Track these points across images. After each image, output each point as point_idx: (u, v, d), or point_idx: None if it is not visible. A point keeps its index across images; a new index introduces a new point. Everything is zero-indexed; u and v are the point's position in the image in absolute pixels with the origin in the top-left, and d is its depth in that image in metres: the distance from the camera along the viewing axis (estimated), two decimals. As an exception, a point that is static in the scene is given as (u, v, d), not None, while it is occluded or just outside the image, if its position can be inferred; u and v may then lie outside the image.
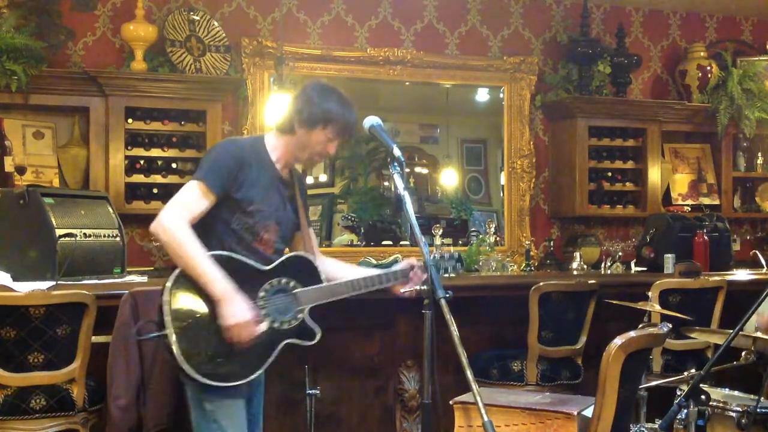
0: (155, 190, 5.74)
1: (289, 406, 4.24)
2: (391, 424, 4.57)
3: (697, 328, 3.92)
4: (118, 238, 4.26)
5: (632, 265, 5.86)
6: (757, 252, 6.29)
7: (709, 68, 7.09)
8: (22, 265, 3.87)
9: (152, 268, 5.61)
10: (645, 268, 5.64)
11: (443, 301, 2.59)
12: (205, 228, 2.86)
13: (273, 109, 5.47)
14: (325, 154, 3.08)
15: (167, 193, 5.71)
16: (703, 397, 2.94)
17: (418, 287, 2.82)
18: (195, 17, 5.93)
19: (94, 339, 3.54)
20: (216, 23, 6.00)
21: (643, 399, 4.11)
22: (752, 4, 7.26)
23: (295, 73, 5.93)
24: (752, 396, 3.40)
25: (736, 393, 3.56)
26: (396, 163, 2.84)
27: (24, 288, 3.50)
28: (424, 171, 7.01)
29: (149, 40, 5.72)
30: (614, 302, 4.09)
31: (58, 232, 3.88)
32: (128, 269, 4.39)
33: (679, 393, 3.50)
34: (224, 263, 2.83)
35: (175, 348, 2.75)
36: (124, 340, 3.48)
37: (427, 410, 2.69)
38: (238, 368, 2.86)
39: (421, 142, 7.07)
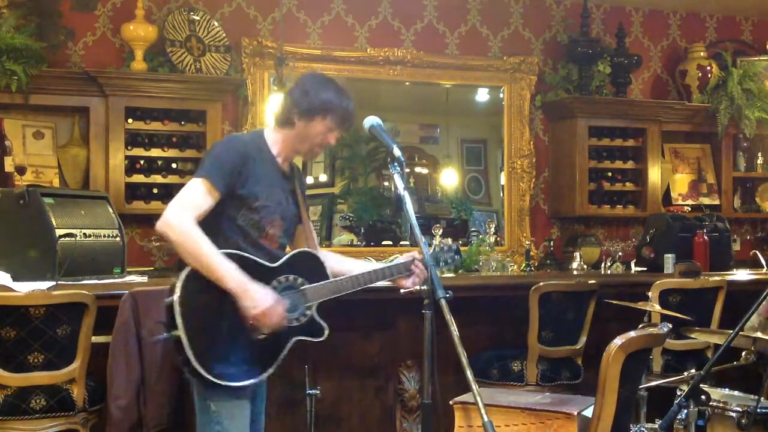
0: (155, 190, 5.74)
1: (289, 406, 4.24)
2: (391, 424, 4.57)
3: (697, 328, 3.92)
4: (118, 238, 4.26)
5: (632, 265, 5.87)
6: (757, 252, 6.29)
7: (709, 68, 7.08)
8: (22, 265, 3.87)
9: (152, 268, 5.60)
10: (645, 268, 5.65)
11: (443, 301, 2.59)
12: (210, 226, 2.83)
13: (273, 109, 5.47)
14: (325, 145, 3.07)
15: (167, 193, 5.72)
16: (703, 397, 2.94)
17: (418, 287, 2.82)
18: (195, 17, 5.93)
19: (94, 339, 3.54)
20: (216, 23, 6.00)
21: (643, 399, 4.11)
22: (752, 4, 7.26)
23: (295, 73, 5.92)
24: (752, 396, 3.39)
25: (736, 393, 3.56)
26: (396, 163, 2.83)
27: (24, 288, 3.50)
28: (424, 171, 7.01)
29: (149, 40, 5.72)
30: (614, 302, 4.09)
31: (58, 232, 3.89)
32: (128, 269, 4.39)
33: (679, 393, 3.50)
34: (234, 261, 2.82)
35: (187, 348, 2.73)
36: (124, 340, 3.48)
37: (427, 410, 2.69)
38: (249, 367, 2.85)
39: (421, 142, 7.07)
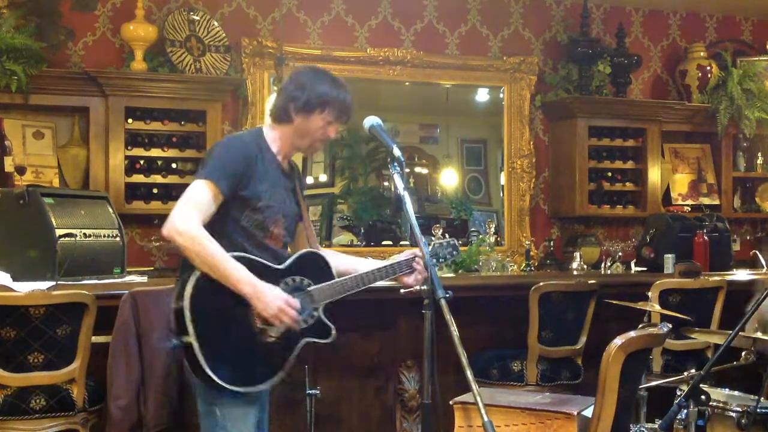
0: (155, 190, 5.74)
1: (289, 406, 4.24)
2: (391, 424, 4.57)
3: (696, 328, 3.92)
4: (118, 238, 4.26)
5: (632, 265, 5.87)
6: (757, 252, 6.29)
7: (709, 68, 7.09)
8: (22, 265, 3.87)
9: (152, 268, 5.60)
10: (645, 268, 5.65)
11: (443, 301, 2.58)
12: (214, 228, 2.80)
13: (269, 105, 5.47)
14: (325, 139, 3.03)
15: (167, 193, 5.72)
16: (703, 397, 2.94)
17: (418, 287, 2.81)
18: (195, 17, 5.93)
19: (94, 339, 3.54)
20: (216, 23, 6.00)
21: (643, 399, 4.11)
22: (752, 4, 7.26)
23: (295, 73, 5.92)
24: (752, 396, 3.39)
25: (736, 393, 3.56)
26: (396, 163, 2.82)
27: (24, 288, 3.50)
28: (424, 171, 7.01)
29: (149, 40, 5.72)
30: (614, 302, 4.09)
31: (58, 232, 3.88)
32: (128, 269, 4.39)
33: (679, 393, 3.50)
34: (241, 263, 2.78)
35: (199, 355, 2.70)
36: (124, 340, 3.48)
37: (427, 410, 2.69)
38: (259, 371, 2.83)
39: (421, 142, 7.07)
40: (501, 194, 6.88)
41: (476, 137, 7.20)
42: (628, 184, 6.94)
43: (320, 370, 4.09)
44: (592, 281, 4.59)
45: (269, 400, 3.11)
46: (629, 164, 6.92)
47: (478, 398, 2.45)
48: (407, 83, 6.62)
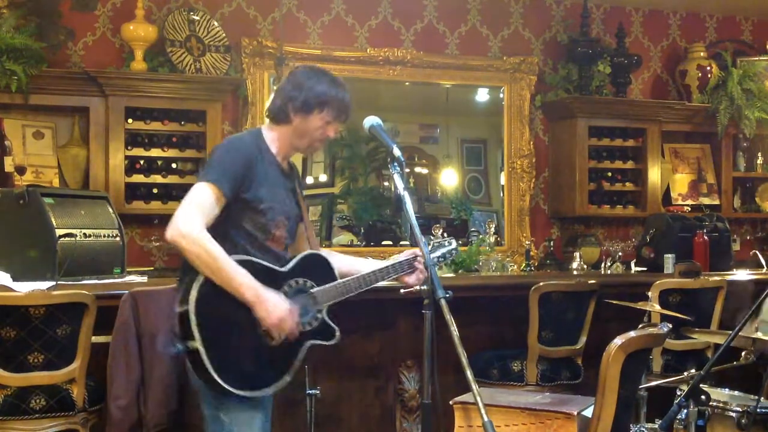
0: (155, 190, 5.74)
1: (289, 406, 4.24)
2: (391, 424, 4.57)
3: (696, 329, 3.92)
4: (118, 238, 4.26)
5: (632, 265, 5.87)
6: (757, 252, 6.29)
7: (709, 68, 7.09)
8: (22, 265, 3.87)
9: (152, 268, 5.60)
10: (645, 268, 5.65)
11: (443, 301, 2.57)
12: (216, 231, 2.76)
13: (267, 105, 5.47)
14: (325, 139, 3.01)
15: (167, 193, 5.72)
16: (703, 397, 2.94)
17: (418, 287, 2.80)
18: (195, 17, 5.93)
19: (94, 339, 3.53)
20: (216, 23, 6.00)
21: (643, 399, 4.11)
22: (752, 4, 7.26)
23: (295, 73, 5.92)
24: (752, 396, 3.40)
25: (736, 393, 3.56)
26: (396, 163, 2.80)
27: (24, 288, 3.50)
28: (424, 171, 7.01)
29: (149, 40, 5.72)
30: (614, 302, 4.09)
31: (58, 232, 3.88)
32: (128, 269, 4.39)
33: (679, 393, 3.50)
34: (245, 267, 2.76)
35: (206, 360, 2.68)
36: (124, 340, 3.48)
37: (427, 410, 2.69)
38: (266, 375, 2.82)
39: (421, 142, 7.07)
40: (501, 194, 6.88)
41: (476, 137, 7.20)
42: (628, 184, 6.94)
43: (320, 370, 4.09)
44: (592, 281, 4.59)
45: (272, 404, 3.10)
46: (629, 164, 6.92)
47: (478, 398, 2.45)
48: (407, 83, 6.62)
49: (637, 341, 2.74)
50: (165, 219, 5.93)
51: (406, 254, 3.13)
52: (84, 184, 5.64)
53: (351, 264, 3.12)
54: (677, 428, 3.06)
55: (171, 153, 5.80)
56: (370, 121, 2.93)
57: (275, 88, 5.63)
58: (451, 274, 5.45)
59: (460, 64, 6.65)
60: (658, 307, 4.14)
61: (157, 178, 5.76)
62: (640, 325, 3.74)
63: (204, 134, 5.81)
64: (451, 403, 3.41)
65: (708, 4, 7.29)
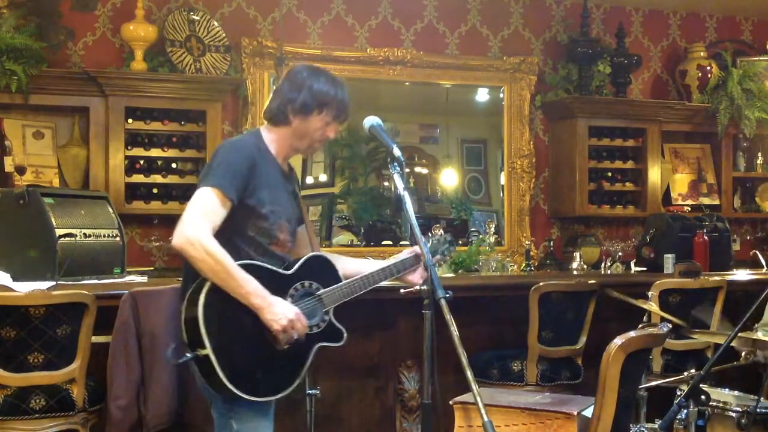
0: (155, 190, 5.74)
1: (289, 406, 4.24)
2: (391, 424, 4.57)
3: (696, 330, 3.92)
4: (118, 238, 4.26)
5: (632, 265, 5.87)
6: (757, 252, 6.29)
7: (709, 68, 7.09)
8: (22, 265, 3.87)
9: (152, 268, 5.60)
10: (645, 268, 5.65)
11: (443, 301, 2.57)
12: (220, 238, 2.71)
13: (266, 107, 5.47)
14: (324, 140, 2.99)
15: (167, 193, 5.73)
16: (703, 397, 2.94)
17: (419, 287, 2.79)
18: (195, 17, 5.93)
19: (94, 339, 3.53)
20: (216, 23, 6.00)
21: (643, 399, 4.11)
22: (752, 4, 7.26)
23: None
24: (752, 396, 3.39)
25: (736, 393, 3.55)
26: (396, 163, 2.80)
27: (24, 288, 3.50)
28: (424, 171, 7.01)
29: (149, 40, 5.72)
30: (615, 294, 4.08)
31: (58, 232, 3.88)
32: (128, 269, 4.39)
33: (679, 393, 3.50)
34: (251, 273, 2.73)
35: (217, 367, 2.65)
36: (124, 340, 3.48)
37: (427, 410, 2.69)
38: (277, 379, 2.80)
39: (421, 142, 7.07)
40: (501, 194, 6.88)
41: (476, 137, 7.20)
42: (628, 184, 6.94)
43: (320, 370, 4.09)
44: (592, 281, 4.59)
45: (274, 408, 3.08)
46: (629, 164, 6.92)
47: (478, 398, 2.45)
48: (407, 83, 6.62)
49: (637, 341, 2.74)
50: (165, 219, 5.97)
51: (406, 252, 3.12)
52: (84, 184, 5.64)
53: (353, 265, 3.10)
54: (677, 428, 3.06)
55: (171, 153, 5.80)
56: (370, 121, 2.92)
57: (274, 88, 5.68)
58: (451, 274, 5.45)
59: (460, 64, 6.65)
60: (656, 307, 4.14)
61: (157, 178, 5.75)
62: (640, 325, 3.73)
63: (204, 134, 5.81)
64: (451, 403, 3.41)
65: (708, 4, 7.29)
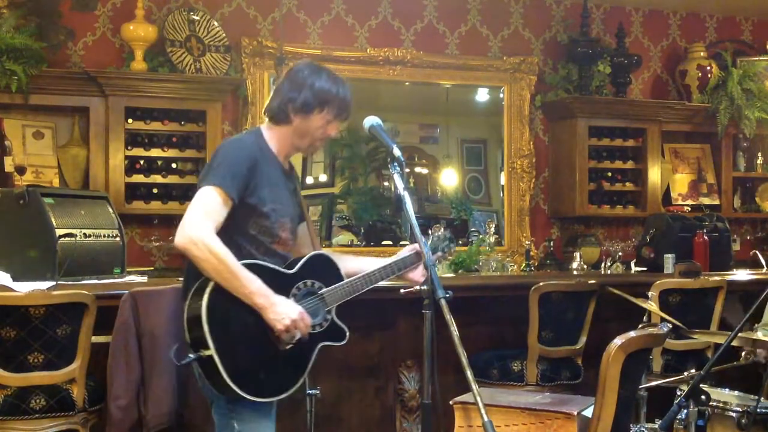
0: (155, 190, 5.74)
1: (289, 406, 4.23)
2: (391, 424, 4.57)
3: (696, 330, 3.93)
4: (118, 238, 4.26)
5: (632, 265, 5.87)
6: (757, 252, 6.29)
7: (709, 68, 7.09)
8: (22, 265, 3.87)
9: (152, 268, 5.60)
10: (645, 268, 5.65)
11: (443, 301, 2.57)
12: (222, 237, 2.69)
13: (266, 105, 5.47)
14: (326, 138, 2.96)
15: (167, 193, 5.72)
16: (703, 397, 2.94)
17: (418, 287, 2.78)
18: (195, 17, 5.93)
19: (94, 339, 3.53)
20: (216, 23, 6.00)
21: (643, 399, 4.11)
22: (752, 4, 7.26)
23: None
24: (752, 396, 3.40)
25: (736, 393, 3.56)
26: (396, 163, 2.79)
27: (24, 288, 3.50)
28: (424, 171, 7.01)
29: (149, 40, 5.72)
30: (615, 291, 4.08)
31: (58, 232, 3.88)
32: (128, 269, 4.39)
33: (679, 393, 3.50)
34: (254, 272, 2.71)
35: (221, 367, 2.64)
36: (124, 340, 3.47)
37: (427, 410, 2.69)
38: (280, 380, 2.79)
39: (421, 142, 7.07)
40: (501, 194, 6.88)
41: (476, 137, 7.20)
42: (628, 184, 6.94)
43: (320, 370, 4.09)
44: (592, 281, 4.59)
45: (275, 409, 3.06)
46: (629, 164, 6.92)
47: (478, 398, 2.45)
48: (407, 83, 6.62)
49: (637, 341, 2.74)
50: (165, 219, 5.96)
51: (407, 250, 3.11)
52: (84, 184, 5.64)
53: (355, 263, 3.09)
54: (677, 428, 3.06)
55: (171, 153, 5.80)
56: (370, 121, 2.90)
57: (274, 87, 5.67)
58: (451, 274, 5.45)
59: (460, 64, 6.65)
60: (655, 307, 4.14)
61: (157, 178, 5.75)
62: (640, 325, 3.73)
63: (204, 134, 5.81)
64: (451, 403, 3.41)
65: (708, 4, 7.29)
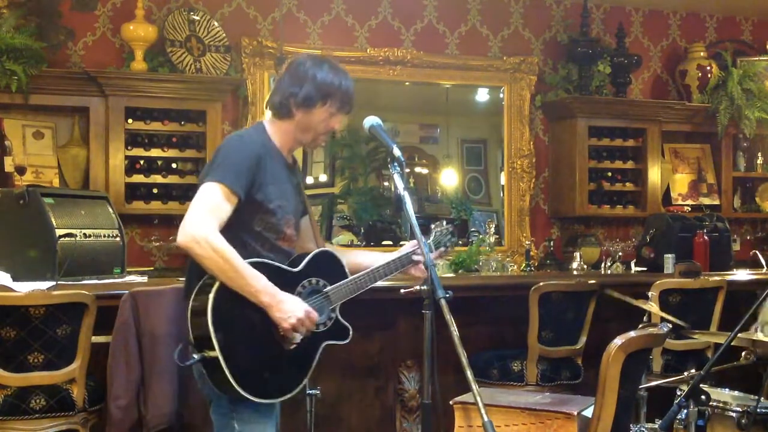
0: (155, 190, 5.74)
1: (289, 406, 4.23)
2: (391, 424, 4.57)
3: (696, 331, 3.92)
4: (118, 238, 4.26)
5: (632, 265, 5.87)
6: (757, 252, 6.29)
7: (709, 68, 7.09)
8: (22, 265, 3.87)
9: (152, 268, 5.60)
10: (645, 268, 5.65)
11: (443, 301, 2.56)
12: (225, 234, 2.65)
13: (268, 99, 5.46)
14: (329, 131, 2.93)
15: (167, 193, 5.73)
16: (703, 397, 2.94)
17: (418, 287, 2.77)
18: (195, 17, 5.93)
19: (94, 339, 3.53)
20: (216, 23, 6.00)
21: (643, 399, 4.11)
22: (752, 4, 7.26)
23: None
24: (752, 396, 3.40)
25: (736, 393, 3.56)
26: (396, 163, 2.77)
27: (24, 288, 3.50)
28: (424, 171, 7.01)
29: (149, 40, 5.72)
30: (615, 295, 4.08)
31: (58, 232, 3.88)
32: (128, 269, 4.39)
33: (679, 393, 3.50)
34: (259, 270, 2.68)
35: (225, 368, 2.61)
36: (124, 340, 3.48)
37: (427, 410, 2.69)
38: (285, 380, 2.77)
39: (421, 142, 7.07)
40: (501, 194, 6.88)
41: (476, 137, 7.20)
42: (628, 184, 6.94)
43: (320, 370, 4.09)
44: (592, 281, 4.59)
45: (280, 410, 3.04)
46: (629, 164, 6.92)
47: (478, 398, 2.44)
48: (407, 83, 6.62)
49: (637, 341, 2.74)
50: (165, 219, 5.95)
51: (409, 246, 3.10)
52: (84, 184, 5.64)
53: (359, 259, 3.07)
54: (677, 428, 3.06)
55: (171, 153, 5.80)
56: (370, 121, 2.88)
57: (276, 80, 5.65)
58: (451, 274, 5.45)
59: (460, 64, 6.65)
60: (656, 307, 4.14)
61: (157, 178, 5.75)
62: (640, 325, 3.73)
63: (204, 134, 5.81)
64: (451, 403, 3.41)
65: (708, 4, 7.29)
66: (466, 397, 3.39)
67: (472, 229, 6.79)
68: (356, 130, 3.02)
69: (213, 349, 2.61)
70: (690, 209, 6.78)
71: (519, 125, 6.79)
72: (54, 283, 3.68)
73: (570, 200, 6.70)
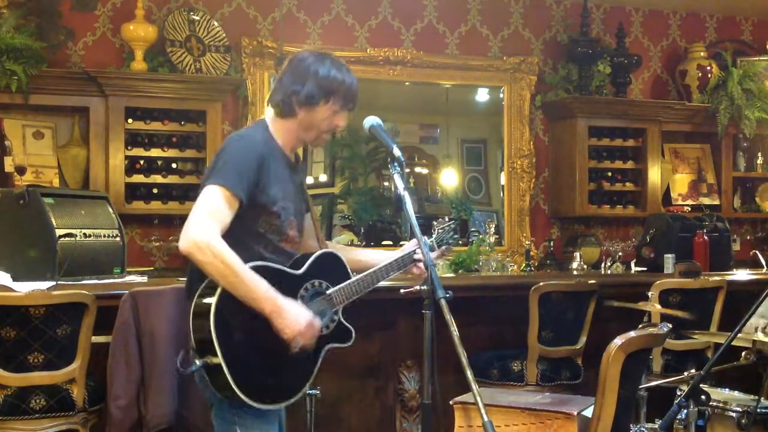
0: (155, 190, 5.74)
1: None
2: (391, 424, 4.57)
3: (696, 331, 3.93)
4: (118, 238, 4.26)
5: (632, 265, 5.87)
6: (757, 252, 6.29)
7: (709, 68, 7.09)
8: (22, 265, 3.87)
9: (152, 268, 5.60)
10: (645, 268, 5.65)
11: (443, 301, 2.54)
12: (227, 236, 2.60)
13: (270, 97, 5.46)
14: (333, 129, 2.88)
15: (167, 193, 5.73)
16: (703, 397, 2.94)
17: (418, 287, 2.76)
18: (195, 17, 5.93)
19: (94, 339, 3.53)
20: (216, 23, 6.00)
21: (643, 399, 4.11)
22: (752, 4, 7.26)
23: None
24: (752, 396, 3.40)
25: (736, 393, 3.56)
26: (396, 163, 2.75)
27: (24, 288, 3.50)
28: (424, 171, 7.01)
29: (149, 40, 5.72)
30: (614, 304, 4.09)
31: (58, 232, 3.88)
32: (128, 269, 4.39)
33: (679, 393, 3.50)
34: (261, 274, 2.63)
35: (228, 375, 2.57)
36: (124, 340, 3.48)
37: (427, 410, 2.68)
38: (289, 385, 2.75)
39: (421, 142, 7.07)
40: (501, 194, 6.88)
41: (476, 137, 7.20)
42: (628, 184, 6.94)
43: (320, 370, 4.09)
44: (592, 281, 4.59)
45: (285, 414, 3.02)
46: (629, 164, 6.92)
47: (478, 398, 2.44)
48: (407, 83, 6.62)
49: (637, 341, 2.74)
50: (165, 219, 5.95)
51: (410, 245, 3.09)
52: (84, 184, 5.64)
53: (360, 259, 3.05)
54: (677, 428, 3.06)
55: (171, 153, 5.80)
56: (370, 121, 2.86)
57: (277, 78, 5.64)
58: (451, 274, 5.45)
59: (460, 64, 6.65)
60: (658, 307, 4.14)
61: (157, 178, 5.75)
62: (640, 325, 3.74)
63: (204, 134, 5.81)
64: (451, 403, 3.41)
65: (708, 4, 7.29)
66: (466, 397, 3.39)
67: (472, 229, 6.78)
68: (356, 130, 3.01)
69: (216, 355, 2.57)
70: (690, 209, 6.79)
71: (519, 125, 6.79)
72: (54, 283, 3.68)
73: (570, 200, 6.70)
